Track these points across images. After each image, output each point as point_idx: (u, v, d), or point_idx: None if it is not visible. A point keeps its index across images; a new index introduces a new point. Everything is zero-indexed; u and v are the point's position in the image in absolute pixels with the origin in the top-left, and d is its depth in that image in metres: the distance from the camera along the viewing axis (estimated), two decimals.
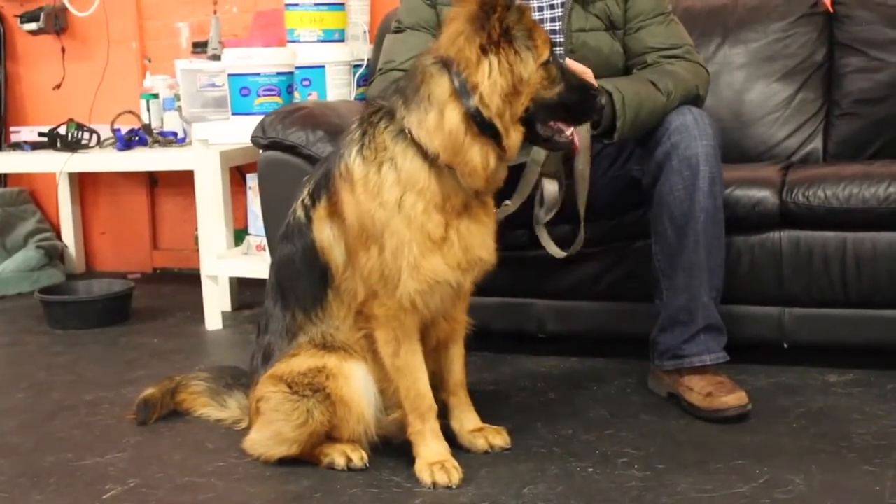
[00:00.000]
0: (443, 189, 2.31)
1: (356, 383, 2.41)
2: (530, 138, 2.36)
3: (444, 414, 2.53)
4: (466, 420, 2.58)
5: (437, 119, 2.27)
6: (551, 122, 2.36)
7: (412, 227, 2.29)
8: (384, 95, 2.41)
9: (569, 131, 2.38)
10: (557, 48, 2.83)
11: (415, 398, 2.40)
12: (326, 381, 2.40)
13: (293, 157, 3.18)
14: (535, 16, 2.81)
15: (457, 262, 2.34)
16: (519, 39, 2.26)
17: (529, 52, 2.27)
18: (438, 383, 2.52)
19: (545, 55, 2.30)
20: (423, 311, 2.38)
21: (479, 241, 2.38)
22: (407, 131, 2.29)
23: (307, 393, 2.40)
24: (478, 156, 2.28)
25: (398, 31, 2.93)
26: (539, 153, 2.71)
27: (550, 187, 2.79)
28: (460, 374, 2.58)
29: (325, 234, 2.42)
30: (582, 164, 2.74)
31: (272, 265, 2.62)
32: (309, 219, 2.45)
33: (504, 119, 2.26)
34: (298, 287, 2.48)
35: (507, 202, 2.73)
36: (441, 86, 2.28)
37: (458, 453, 2.45)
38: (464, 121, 2.26)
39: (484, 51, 2.24)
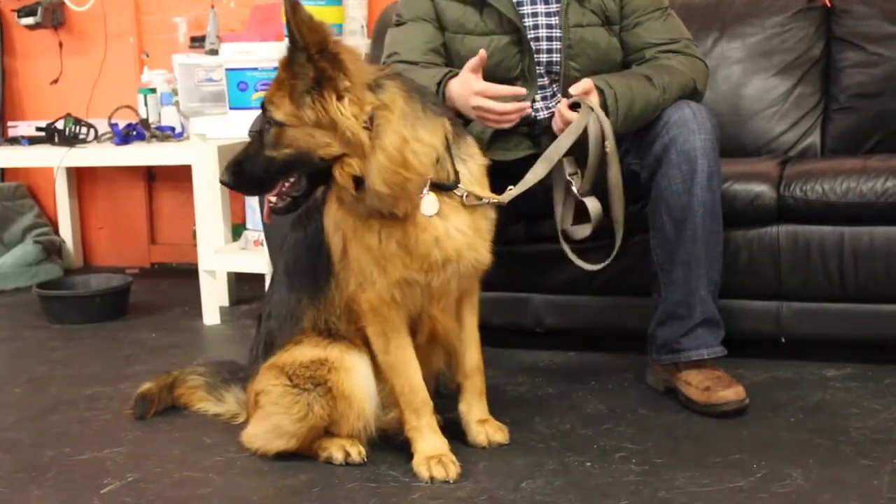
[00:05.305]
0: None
1: (358, 377, 2.40)
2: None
3: (444, 408, 2.53)
4: (476, 408, 2.56)
5: None
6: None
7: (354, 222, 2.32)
8: None
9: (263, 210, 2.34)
10: (555, 43, 2.83)
11: (409, 393, 2.40)
12: (328, 375, 2.39)
13: None
14: (529, 10, 2.82)
15: (418, 265, 2.30)
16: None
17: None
18: (454, 367, 2.53)
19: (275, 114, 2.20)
20: (405, 306, 2.36)
21: (434, 241, 2.30)
22: None
23: (308, 386, 2.39)
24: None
25: (399, 24, 2.93)
26: (552, 154, 2.61)
27: (592, 205, 2.69)
28: (476, 357, 2.55)
29: (331, 217, 2.41)
30: (614, 175, 2.64)
31: (283, 252, 2.59)
32: (324, 200, 2.44)
33: None
34: (306, 273, 2.48)
35: (511, 187, 2.54)
36: None
37: (455, 447, 2.45)
38: None
39: None
